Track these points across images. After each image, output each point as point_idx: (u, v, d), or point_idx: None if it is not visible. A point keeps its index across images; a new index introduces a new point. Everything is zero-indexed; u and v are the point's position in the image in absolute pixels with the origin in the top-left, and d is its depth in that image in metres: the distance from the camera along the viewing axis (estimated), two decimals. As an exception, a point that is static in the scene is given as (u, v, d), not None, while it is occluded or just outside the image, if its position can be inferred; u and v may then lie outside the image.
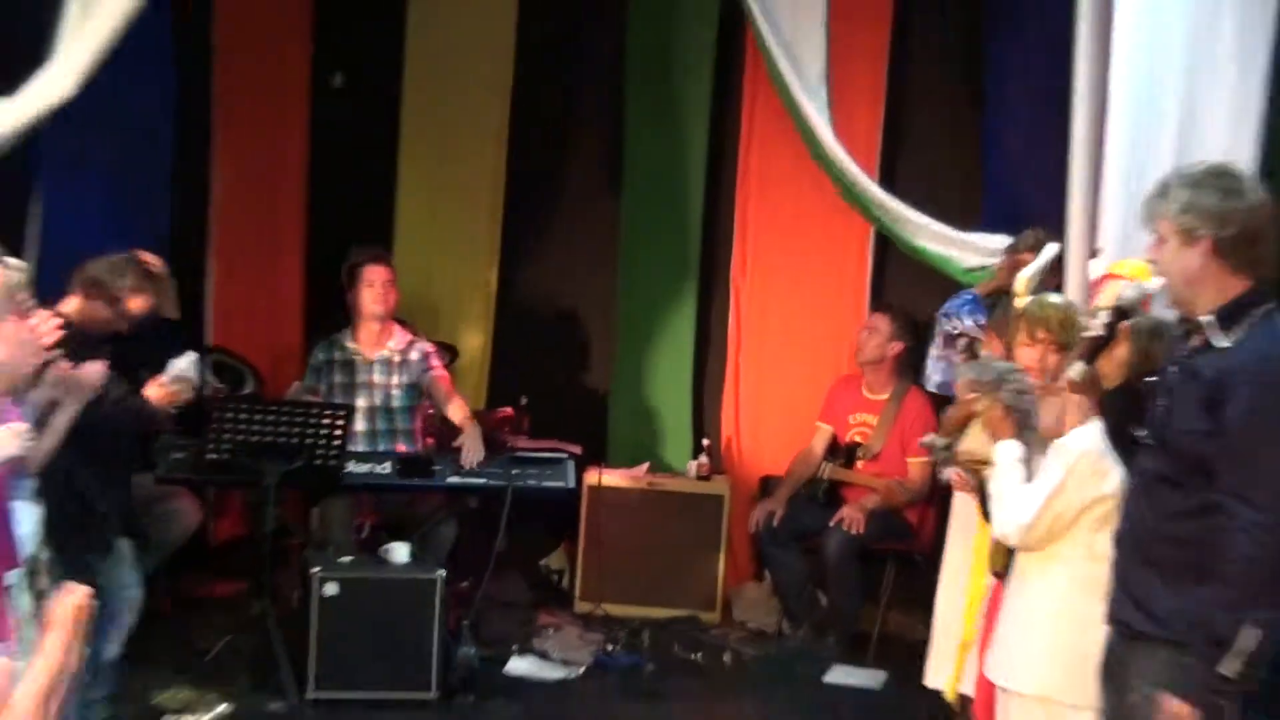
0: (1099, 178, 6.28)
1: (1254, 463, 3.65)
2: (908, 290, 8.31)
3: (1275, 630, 3.64)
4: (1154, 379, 4.07)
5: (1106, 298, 5.04)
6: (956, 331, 6.84)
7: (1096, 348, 4.65)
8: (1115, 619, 4.01)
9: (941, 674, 5.96)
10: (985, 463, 4.78)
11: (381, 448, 7.55)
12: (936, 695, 6.03)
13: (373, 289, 7.56)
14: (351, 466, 7.16)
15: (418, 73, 8.95)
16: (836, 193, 7.52)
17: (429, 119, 8.97)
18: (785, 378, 8.65)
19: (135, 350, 5.92)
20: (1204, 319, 3.81)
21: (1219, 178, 3.86)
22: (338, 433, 6.94)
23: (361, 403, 7.55)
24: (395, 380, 7.64)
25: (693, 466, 8.46)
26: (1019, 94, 7.76)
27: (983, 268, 7.15)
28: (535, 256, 9.12)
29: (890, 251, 8.18)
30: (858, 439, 8.04)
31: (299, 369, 8.01)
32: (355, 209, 8.82)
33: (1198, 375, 3.79)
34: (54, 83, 5.90)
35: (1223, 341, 3.78)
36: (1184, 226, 3.79)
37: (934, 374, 7.17)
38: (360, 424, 7.50)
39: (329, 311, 8.24)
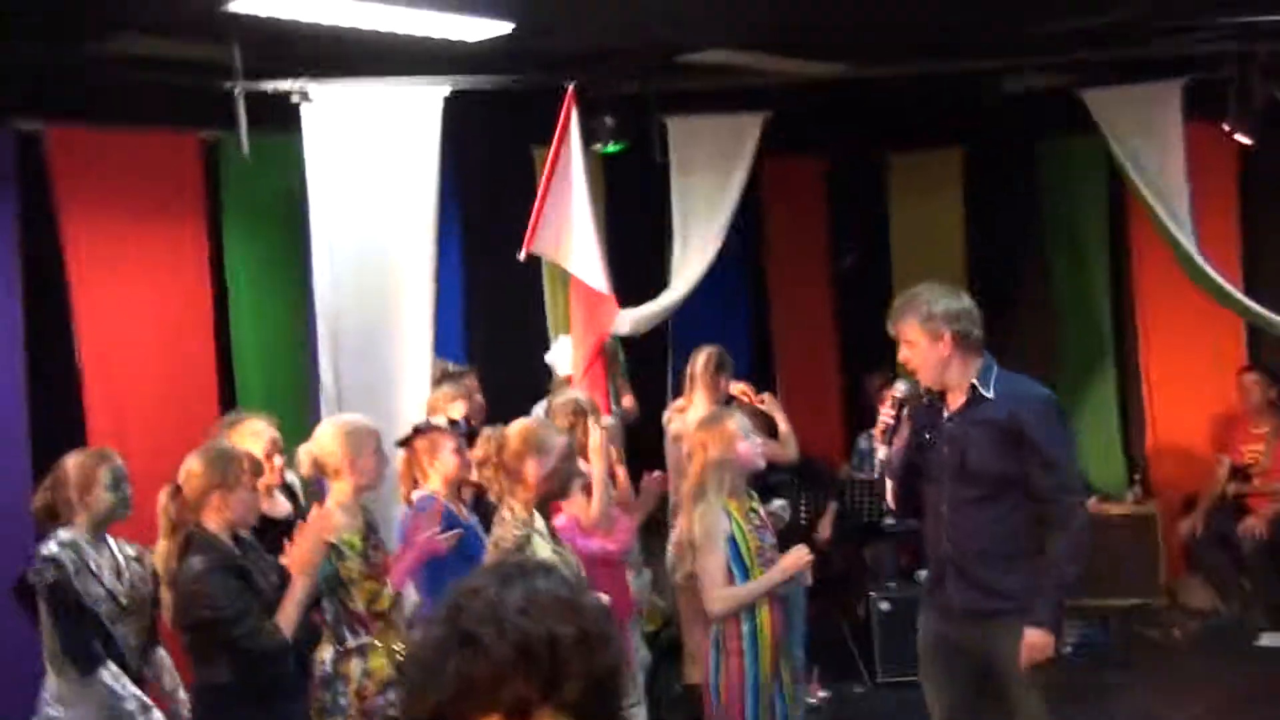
0: None
1: (1056, 463, 3.62)
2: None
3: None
4: (920, 436, 3.83)
5: None
6: None
7: None
8: (963, 609, 3.72)
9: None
10: None
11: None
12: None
13: None
14: (889, 520, 6.99)
15: (900, 243, 8.73)
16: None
17: (912, 266, 8.47)
18: (1188, 422, 7.91)
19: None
20: (974, 380, 3.67)
21: (946, 288, 3.75)
22: (881, 501, 6.80)
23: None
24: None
25: (1129, 495, 7.83)
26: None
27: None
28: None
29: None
30: (1250, 461, 7.34)
31: (843, 453, 7.92)
32: (870, 335, 8.68)
33: (988, 421, 3.63)
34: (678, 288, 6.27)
35: (989, 393, 3.65)
36: (930, 328, 3.66)
37: None
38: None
39: (860, 408, 8.09)
